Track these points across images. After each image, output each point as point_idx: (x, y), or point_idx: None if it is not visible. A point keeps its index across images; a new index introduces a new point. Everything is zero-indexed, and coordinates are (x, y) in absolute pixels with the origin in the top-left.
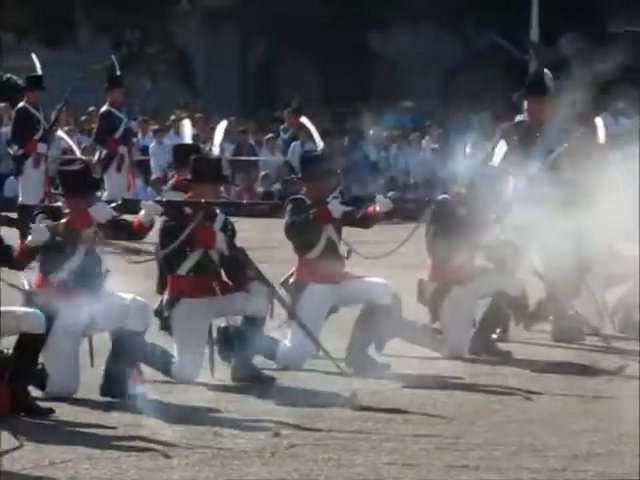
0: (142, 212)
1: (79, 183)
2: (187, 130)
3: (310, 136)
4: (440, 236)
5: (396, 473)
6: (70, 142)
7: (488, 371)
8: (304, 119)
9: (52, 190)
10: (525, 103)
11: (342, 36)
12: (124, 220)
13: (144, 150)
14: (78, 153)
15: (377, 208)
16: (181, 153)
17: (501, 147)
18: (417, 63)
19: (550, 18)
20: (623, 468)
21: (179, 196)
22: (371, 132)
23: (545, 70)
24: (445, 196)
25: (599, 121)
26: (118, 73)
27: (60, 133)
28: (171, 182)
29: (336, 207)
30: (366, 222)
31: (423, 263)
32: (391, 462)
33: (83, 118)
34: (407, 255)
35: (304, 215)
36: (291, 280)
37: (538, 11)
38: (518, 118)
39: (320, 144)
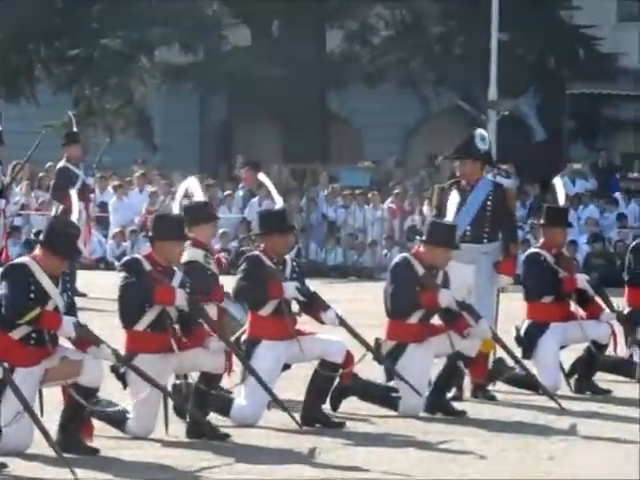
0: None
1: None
2: (196, 187)
3: (268, 193)
4: (397, 294)
5: None
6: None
7: (443, 430)
8: (262, 176)
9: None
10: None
11: (300, 97)
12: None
13: (103, 206)
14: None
15: (323, 319)
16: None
17: (453, 198)
18: (375, 124)
19: (508, 78)
20: None
21: (199, 254)
22: (326, 192)
23: (478, 131)
24: (404, 255)
25: (558, 181)
26: (75, 129)
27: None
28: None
29: (290, 289)
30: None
31: (381, 322)
32: None
33: (41, 174)
34: (366, 313)
35: (257, 287)
36: (244, 337)
37: (496, 72)
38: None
39: (279, 201)
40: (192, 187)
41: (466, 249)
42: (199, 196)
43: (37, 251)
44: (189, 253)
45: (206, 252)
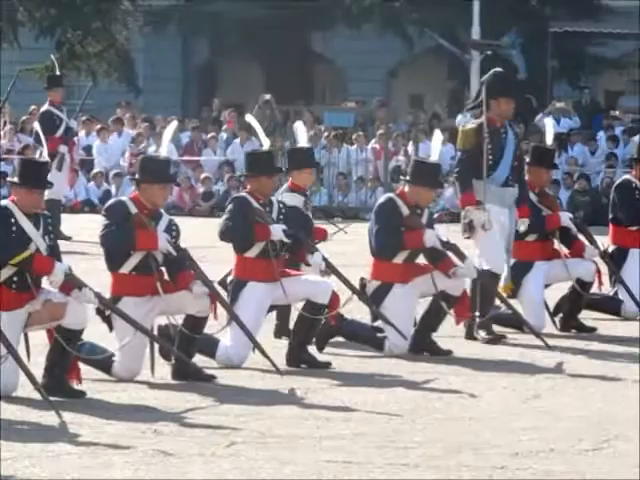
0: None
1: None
2: (301, 131)
3: (252, 135)
4: (382, 235)
5: (336, 471)
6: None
7: (429, 369)
8: (249, 117)
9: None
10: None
11: (284, 37)
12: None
13: (87, 149)
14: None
15: (309, 261)
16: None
17: (437, 138)
18: (359, 64)
19: (491, 18)
20: (563, 466)
21: (299, 200)
22: (312, 132)
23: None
24: (389, 195)
25: (548, 121)
26: (58, 72)
27: None
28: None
29: (277, 231)
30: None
31: (367, 261)
32: (331, 460)
33: (24, 117)
34: (351, 254)
35: (244, 229)
36: (229, 279)
37: (479, 11)
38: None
39: (265, 142)
40: (299, 131)
41: (506, 193)
42: (303, 141)
43: (13, 194)
44: (290, 198)
45: (306, 198)
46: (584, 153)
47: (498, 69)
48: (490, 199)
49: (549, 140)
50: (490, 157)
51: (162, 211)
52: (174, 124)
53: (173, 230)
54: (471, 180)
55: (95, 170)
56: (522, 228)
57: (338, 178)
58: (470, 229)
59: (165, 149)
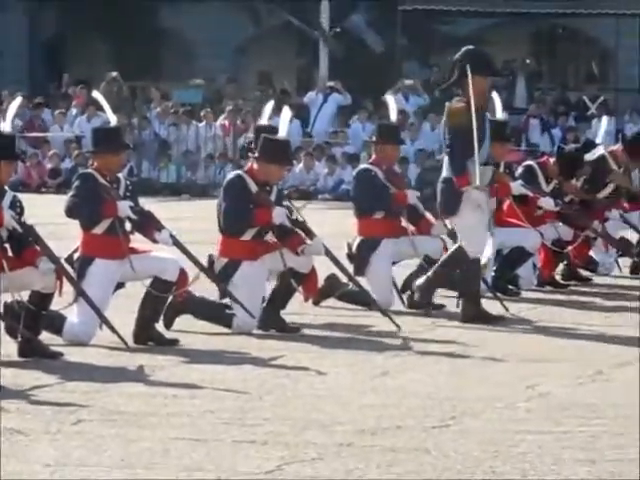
0: None
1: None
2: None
3: (99, 111)
4: (231, 212)
5: (184, 448)
6: None
7: (277, 346)
8: (96, 94)
9: None
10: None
11: (132, 12)
12: None
13: None
14: None
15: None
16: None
17: (285, 115)
18: (207, 40)
19: None
20: (410, 443)
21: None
22: (158, 109)
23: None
24: (238, 172)
25: (389, 98)
26: None
27: None
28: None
29: (124, 208)
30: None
31: (216, 239)
32: (179, 437)
33: None
34: (201, 231)
35: (90, 205)
36: (76, 255)
37: None
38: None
39: (113, 119)
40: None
41: (487, 171)
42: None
43: None
44: None
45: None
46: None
47: (471, 47)
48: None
49: (393, 117)
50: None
51: (6, 188)
52: (18, 100)
53: (17, 207)
54: (465, 160)
55: None
56: None
57: (186, 155)
58: (449, 211)
59: (9, 125)
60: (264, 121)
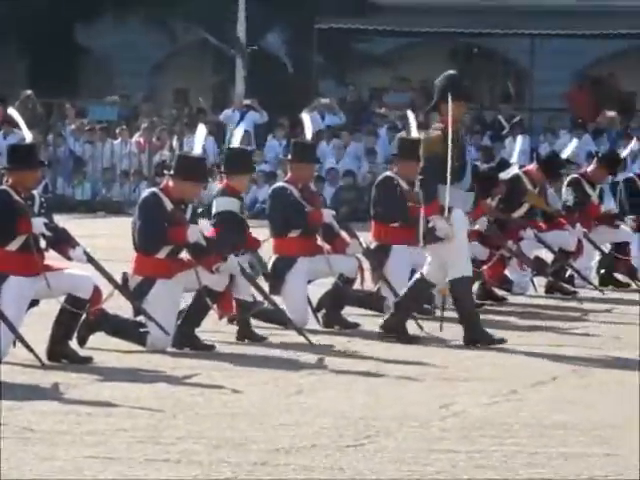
0: None
1: None
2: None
3: (15, 128)
4: (145, 230)
5: (97, 467)
6: None
7: (191, 364)
8: (12, 111)
9: None
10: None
11: (48, 29)
12: None
13: None
14: None
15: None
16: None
17: (200, 132)
18: (123, 58)
19: (257, 14)
20: (324, 462)
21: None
22: (73, 126)
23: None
24: (153, 190)
25: (305, 117)
26: None
27: None
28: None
29: (38, 225)
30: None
31: (129, 257)
32: (92, 456)
33: None
34: (116, 249)
35: (4, 222)
36: None
37: (245, 7)
38: None
39: (28, 136)
40: (236, 135)
41: (470, 197)
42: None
43: None
44: (225, 202)
45: (242, 202)
46: (356, 149)
47: (451, 72)
48: (458, 204)
49: (308, 135)
50: (456, 163)
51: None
52: None
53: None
54: (436, 189)
55: None
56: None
57: (102, 172)
58: (431, 238)
59: None
60: (198, 149)
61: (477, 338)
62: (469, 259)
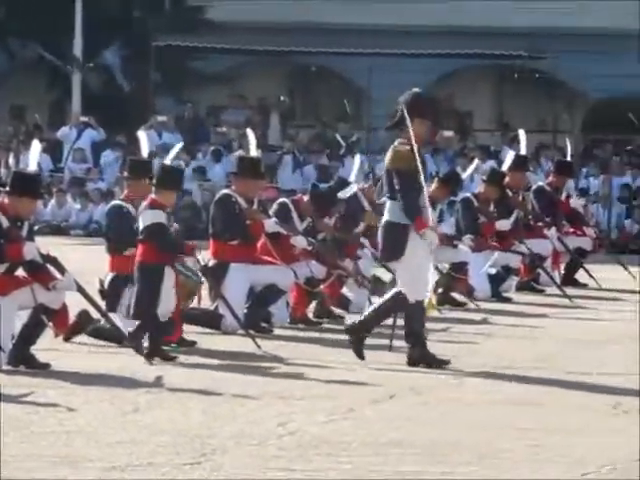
0: None
1: None
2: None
3: None
4: None
5: None
6: None
7: (26, 382)
8: None
9: None
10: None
11: None
12: None
13: None
14: None
15: None
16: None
17: (35, 149)
18: None
19: (94, 31)
20: (161, 479)
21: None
22: None
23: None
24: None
25: (142, 135)
26: None
27: None
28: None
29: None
30: None
31: None
32: None
33: None
34: None
35: None
36: None
37: (82, 24)
38: None
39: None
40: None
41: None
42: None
43: None
44: (152, 214)
45: (168, 214)
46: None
47: (417, 90)
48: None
49: (144, 152)
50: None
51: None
52: None
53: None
54: (418, 204)
55: None
56: None
57: None
58: (397, 254)
59: None
60: (33, 166)
61: (421, 359)
62: (425, 281)
